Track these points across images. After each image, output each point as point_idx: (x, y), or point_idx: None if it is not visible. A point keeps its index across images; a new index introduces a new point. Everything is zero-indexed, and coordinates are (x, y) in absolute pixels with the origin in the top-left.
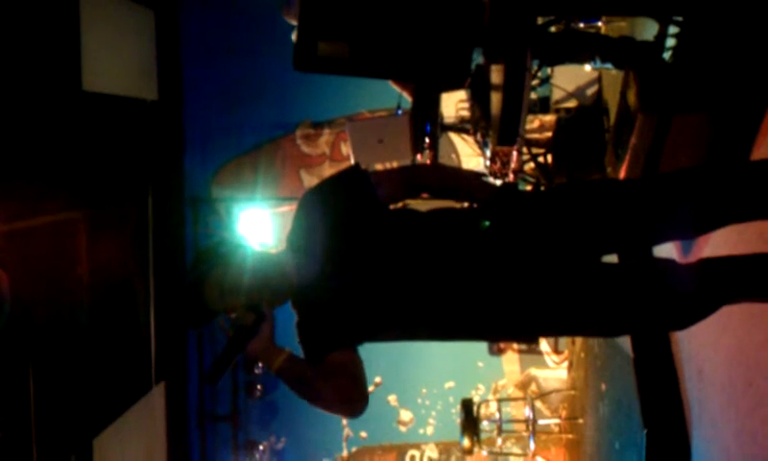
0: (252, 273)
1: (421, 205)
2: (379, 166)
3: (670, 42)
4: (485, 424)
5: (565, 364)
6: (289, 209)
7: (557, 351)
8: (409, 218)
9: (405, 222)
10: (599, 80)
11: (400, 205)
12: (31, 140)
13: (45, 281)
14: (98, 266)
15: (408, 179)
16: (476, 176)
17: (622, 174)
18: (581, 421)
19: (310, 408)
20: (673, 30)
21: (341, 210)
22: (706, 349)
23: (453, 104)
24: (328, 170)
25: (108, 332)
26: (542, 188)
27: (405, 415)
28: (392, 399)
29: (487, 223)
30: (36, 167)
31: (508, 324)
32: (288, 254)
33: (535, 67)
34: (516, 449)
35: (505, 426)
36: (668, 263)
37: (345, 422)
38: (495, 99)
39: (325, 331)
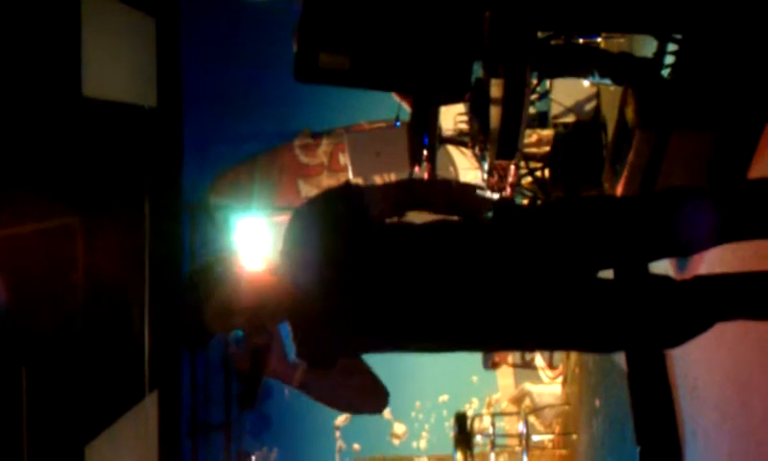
0: (252, 292)
1: (416, 217)
2: (377, 178)
3: (669, 60)
4: (478, 439)
5: (560, 379)
6: (286, 219)
7: (551, 366)
8: (403, 232)
9: (399, 236)
10: (597, 95)
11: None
12: (29, 145)
13: (40, 287)
14: (93, 272)
15: (403, 196)
16: (473, 189)
17: (619, 190)
18: (574, 436)
19: (303, 420)
20: (672, 47)
21: (333, 228)
22: (700, 366)
23: (452, 117)
24: (326, 180)
25: (102, 339)
26: (539, 203)
27: (399, 428)
28: (385, 411)
29: (490, 214)
30: (33, 172)
31: (501, 335)
32: (284, 269)
33: (534, 81)
34: None
35: (498, 441)
36: (663, 280)
37: (338, 434)
38: (495, 113)
39: (327, 343)
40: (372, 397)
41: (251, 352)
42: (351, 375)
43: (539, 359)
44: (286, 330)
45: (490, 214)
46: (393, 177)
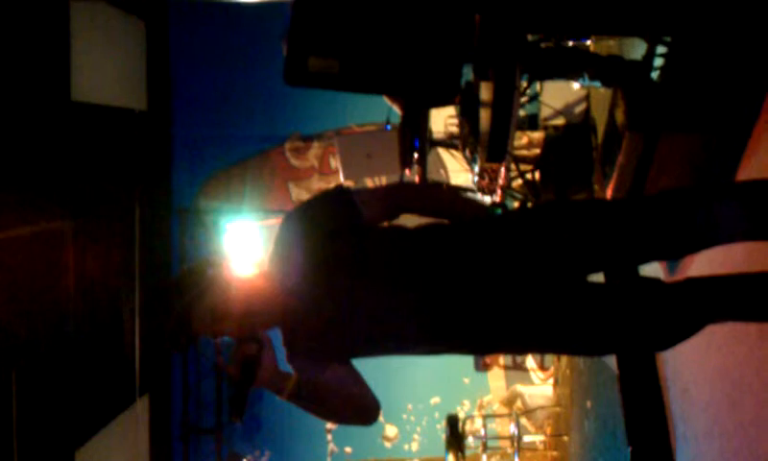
0: (243, 296)
1: (407, 220)
2: (368, 181)
3: (658, 62)
4: (470, 441)
5: (551, 381)
6: (277, 222)
7: (543, 367)
8: (394, 235)
9: (390, 239)
10: (587, 98)
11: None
12: (19, 149)
13: (30, 290)
14: (84, 275)
15: (394, 200)
16: (464, 194)
17: (609, 192)
18: (566, 438)
19: (294, 423)
20: (661, 50)
21: (325, 232)
22: (691, 367)
23: (442, 119)
24: (317, 183)
25: (92, 343)
26: (529, 205)
27: (390, 430)
28: None
29: (498, 210)
30: (23, 176)
31: (492, 338)
32: (275, 274)
33: (524, 84)
34: None
35: (490, 443)
36: (654, 283)
37: (329, 437)
38: (484, 116)
39: (319, 348)
40: (362, 409)
41: (240, 362)
42: (342, 386)
43: (530, 361)
44: (277, 337)
45: (497, 213)
46: (384, 180)
